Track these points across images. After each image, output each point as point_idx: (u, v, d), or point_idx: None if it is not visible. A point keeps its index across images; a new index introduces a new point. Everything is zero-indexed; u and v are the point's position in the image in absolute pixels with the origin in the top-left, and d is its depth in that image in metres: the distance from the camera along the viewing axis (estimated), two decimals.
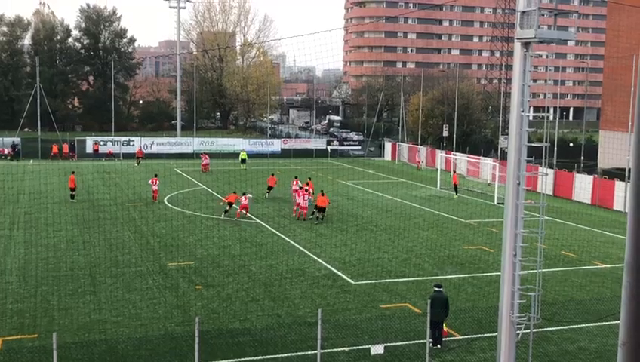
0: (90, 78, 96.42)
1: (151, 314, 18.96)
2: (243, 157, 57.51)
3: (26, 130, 73.18)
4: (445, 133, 68.77)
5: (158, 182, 38.16)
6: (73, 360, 14.93)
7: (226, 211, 33.45)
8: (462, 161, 53.55)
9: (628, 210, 3.46)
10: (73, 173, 39.92)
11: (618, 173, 43.73)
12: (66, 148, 61.91)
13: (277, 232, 30.43)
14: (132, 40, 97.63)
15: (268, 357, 15.86)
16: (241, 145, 66.89)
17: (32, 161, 58.37)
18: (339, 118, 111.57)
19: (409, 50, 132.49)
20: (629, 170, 3.52)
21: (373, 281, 22.69)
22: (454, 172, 46.25)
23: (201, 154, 57.12)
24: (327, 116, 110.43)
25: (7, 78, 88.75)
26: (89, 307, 19.34)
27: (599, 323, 18.49)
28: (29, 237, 28.30)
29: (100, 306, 19.44)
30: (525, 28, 10.28)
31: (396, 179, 44.47)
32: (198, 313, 18.31)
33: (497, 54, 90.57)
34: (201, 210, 35.79)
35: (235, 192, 34.89)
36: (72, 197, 37.91)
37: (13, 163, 56.94)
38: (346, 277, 23.07)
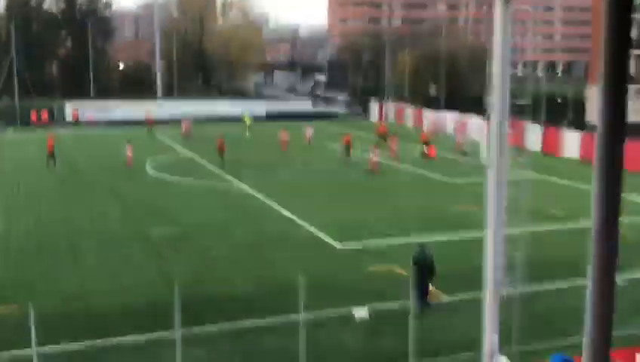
0: (68, 44, 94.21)
1: (134, 281, 18.66)
2: (248, 122, 53.57)
3: (2, 97, 71.53)
4: (433, 92, 68.09)
5: (131, 148, 37.55)
6: (55, 330, 14.60)
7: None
8: (449, 119, 53.11)
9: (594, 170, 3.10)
10: (52, 136, 39.18)
11: None
12: (44, 114, 60.70)
13: (260, 197, 30.04)
14: (109, 3, 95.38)
15: (252, 321, 15.66)
16: (223, 108, 65.84)
17: (12, 128, 57.18)
18: (324, 78, 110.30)
19: (394, 6, 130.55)
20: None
21: (359, 244, 22.46)
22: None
23: (183, 119, 56.04)
24: (313, 77, 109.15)
25: None
26: (70, 276, 18.99)
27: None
28: (8, 207, 27.73)
29: (81, 275, 19.10)
30: None
31: (383, 139, 44.07)
32: (182, 279, 17.98)
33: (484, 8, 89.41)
34: (183, 175, 35.28)
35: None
36: (52, 160, 37.15)
37: None
38: (330, 241, 22.82)
